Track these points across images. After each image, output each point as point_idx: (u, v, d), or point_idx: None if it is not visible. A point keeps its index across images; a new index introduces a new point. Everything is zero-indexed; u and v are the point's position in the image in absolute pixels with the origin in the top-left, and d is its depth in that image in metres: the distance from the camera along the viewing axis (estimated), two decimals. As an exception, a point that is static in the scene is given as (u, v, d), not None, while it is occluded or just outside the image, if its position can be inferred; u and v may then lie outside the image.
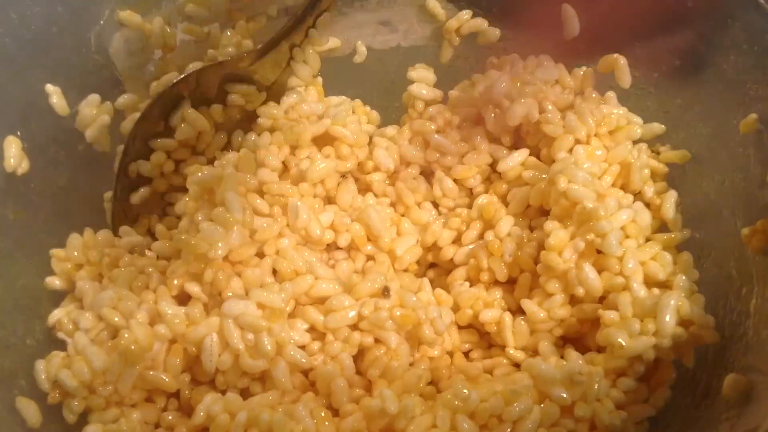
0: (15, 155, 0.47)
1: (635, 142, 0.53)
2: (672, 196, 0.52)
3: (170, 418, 0.49)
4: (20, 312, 0.44)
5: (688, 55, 0.51)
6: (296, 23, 0.52)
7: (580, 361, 0.47)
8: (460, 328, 0.53)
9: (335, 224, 0.52)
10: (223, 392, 0.48)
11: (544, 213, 0.53)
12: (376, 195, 0.56)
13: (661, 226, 0.52)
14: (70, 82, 0.51)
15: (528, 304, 0.51)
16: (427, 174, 0.56)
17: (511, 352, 0.51)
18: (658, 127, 0.53)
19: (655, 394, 0.47)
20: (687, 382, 0.47)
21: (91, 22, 0.52)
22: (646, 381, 0.48)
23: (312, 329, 0.49)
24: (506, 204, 0.55)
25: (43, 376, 0.45)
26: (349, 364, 0.48)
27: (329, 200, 0.54)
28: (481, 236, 0.54)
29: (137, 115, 0.53)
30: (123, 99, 0.53)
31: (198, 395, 0.49)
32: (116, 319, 0.48)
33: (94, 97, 0.52)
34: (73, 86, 0.51)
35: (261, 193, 0.52)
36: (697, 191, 0.51)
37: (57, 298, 0.49)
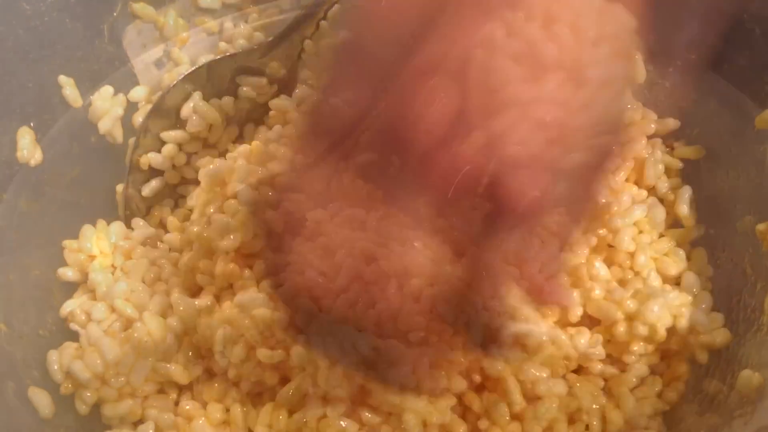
0: (28, 146, 0.47)
1: (649, 138, 0.53)
2: (686, 191, 0.51)
3: (188, 407, 0.49)
4: (33, 303, 0.45)
5: (703, 50, 0.50)
6: (307, 16, 0.52)
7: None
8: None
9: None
10: (236, 384, 0.48)
11: (558, 208, 0.53)
12: (386, 185, 0.55)
13: (675, 222, 0.52)
14: (83, 73, 0.51)
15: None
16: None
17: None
18: (672, 123, 0.53)
19: (669, 389, 0.47)
20: (700, 377, 0.47)
21: (104, 13, 0.51)
22: (659, 376, 0.49)
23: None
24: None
25: (55, 367, 0.45)
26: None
27: (341, 190, 0.54)
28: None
29: (149, 107, 0.52)
30: (136, 91, 0.53)
31: (210, 388, 0.49)
32: (129, 310, 0.48)
33: (107, 89, 0.52)
34: (86, 78, 0.51)
35: (272, 185, 0.52)
36: (711, 187, 0.50)
37: (70, 289, 0.49)
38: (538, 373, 0.46)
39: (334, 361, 0.45)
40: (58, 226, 0.49)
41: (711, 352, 0.47)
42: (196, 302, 0.51)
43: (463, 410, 0.47)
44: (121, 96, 0.53)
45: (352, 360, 0.45)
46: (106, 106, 0.51)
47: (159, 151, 0.53)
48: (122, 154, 0.52)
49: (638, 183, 0.53)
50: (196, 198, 0.54)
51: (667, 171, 0.53)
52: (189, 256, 0.52)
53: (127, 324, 0.49)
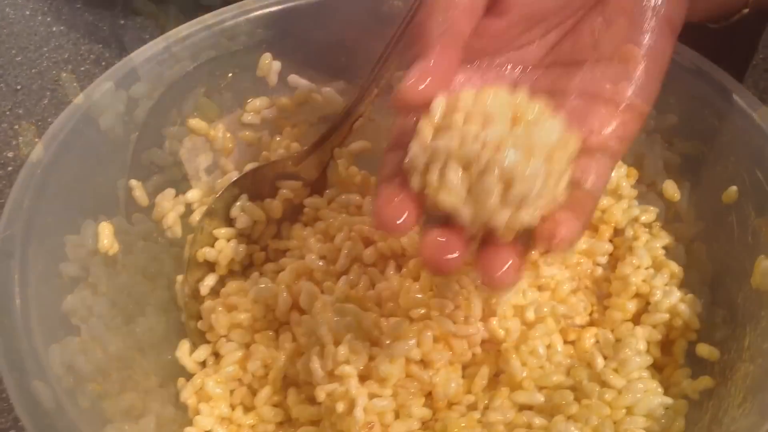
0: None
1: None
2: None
3: (190, 401, 0.50)
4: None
5: (704, 47, 0.51)
6: (335, 128, 0.57)
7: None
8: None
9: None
10: (243, 368, 0.51)
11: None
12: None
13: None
14: (149, 178, 0.53)
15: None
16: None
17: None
18: (671, 118, 0.53)
19: (669, 382, 0.48)
20: (701, 371, 0.47)
21: (165, 125, 0.55)
22: (659, 370, 0.49)
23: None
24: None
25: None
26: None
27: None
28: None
29: (204, 208, 0.56)
30: (191, 193, 0.57)
31: (214, 381, 0.50)
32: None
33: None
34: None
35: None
36: (710, 182, 0.51)
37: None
38: (538, 345, 0.47)
39: (340, 339, 0.46)
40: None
41: (711, 346, 0.47)
42: (200, 287, 0.53)
43: (468, 382, 0.48)
44: (180, 197, 0.56)
45: (357, 337, 0.46)
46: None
47: (212, 246, 0.55)
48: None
49: (638, 178, 0.54)
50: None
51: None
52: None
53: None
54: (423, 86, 0.34)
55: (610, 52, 0.40)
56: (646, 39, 0.40)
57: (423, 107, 0.34)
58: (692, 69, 0.51)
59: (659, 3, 0.40)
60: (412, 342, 0.45)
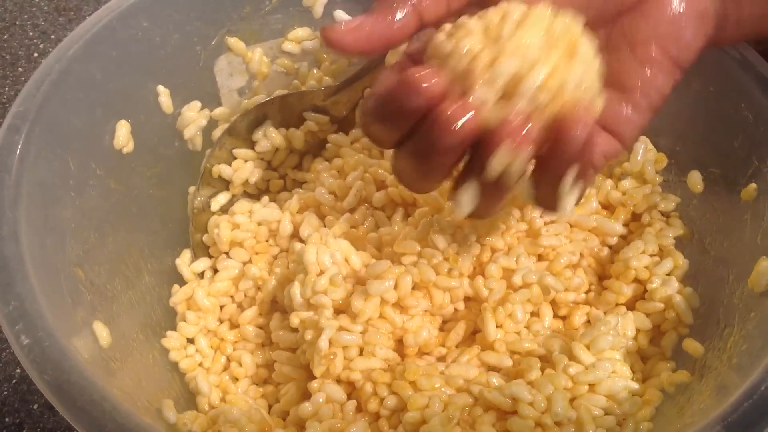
0: (124, 136, 0.51)
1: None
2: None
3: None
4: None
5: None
6: (369, 69, 0.57)
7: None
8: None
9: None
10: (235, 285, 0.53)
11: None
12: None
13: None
14: (179, 87, 0.55)
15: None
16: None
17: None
18: (707, 108, 0.51)
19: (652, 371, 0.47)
20: (684, 364, 0.46)
21: (204, 41, 0.56)
22: (645, 360, 0.48)
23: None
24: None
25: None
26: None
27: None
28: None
29: (227, 125, 0.57)
30: (219, 110, 0.58)
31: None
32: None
33: (196, 104, 0.56)
34: (181, 92, 0.55)
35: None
36: (733, 178, 0.49)
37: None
38: (518, 309, 0.46)
39: (324, 270, 0.47)
40: (136, 206, 0.52)
41: (699, 342, 0.46)
42: (212, 202, 0.56)
43: (444, 335, 0.48)
44: (206, 111, 0.57)
45: (341, 272, 0.47)
46: (193, 117, 0.56)
47: (229, 164, 0.57)
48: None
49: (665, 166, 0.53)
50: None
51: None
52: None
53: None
54: (351, 39, 0.37)
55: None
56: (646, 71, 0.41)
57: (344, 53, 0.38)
58: (736, 59, 0.48)
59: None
60: (389, 283, 0.45)
